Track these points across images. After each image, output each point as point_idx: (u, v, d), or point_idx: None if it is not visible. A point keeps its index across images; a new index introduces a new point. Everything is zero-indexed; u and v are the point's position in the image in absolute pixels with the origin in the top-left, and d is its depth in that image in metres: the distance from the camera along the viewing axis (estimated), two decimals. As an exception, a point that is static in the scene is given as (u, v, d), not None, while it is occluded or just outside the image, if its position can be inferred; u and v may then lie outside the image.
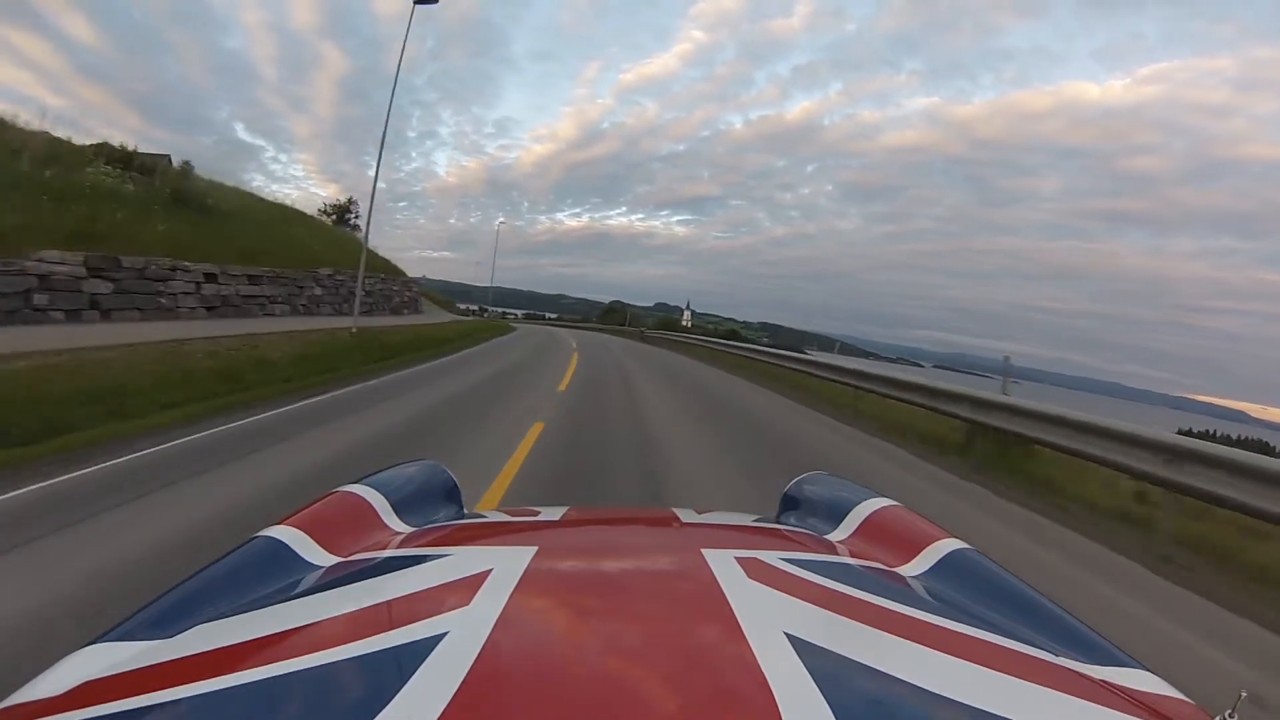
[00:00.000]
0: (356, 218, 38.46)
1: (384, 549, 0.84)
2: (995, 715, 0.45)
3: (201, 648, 0.56)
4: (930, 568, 0.87)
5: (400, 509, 1.01)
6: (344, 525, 0.91)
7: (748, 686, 0.46)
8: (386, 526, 0.96)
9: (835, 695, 0.44)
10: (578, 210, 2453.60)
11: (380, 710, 0.41)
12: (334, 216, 37.14)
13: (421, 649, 0.49)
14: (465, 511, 1.17)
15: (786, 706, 0.43)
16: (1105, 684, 0.60)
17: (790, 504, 1.27)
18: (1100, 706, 0.52)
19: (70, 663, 0.57)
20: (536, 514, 1.10)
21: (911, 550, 0.92)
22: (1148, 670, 0.66)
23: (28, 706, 0.50)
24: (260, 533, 0.85)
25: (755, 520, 1.10)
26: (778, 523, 1.14)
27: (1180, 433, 6.81)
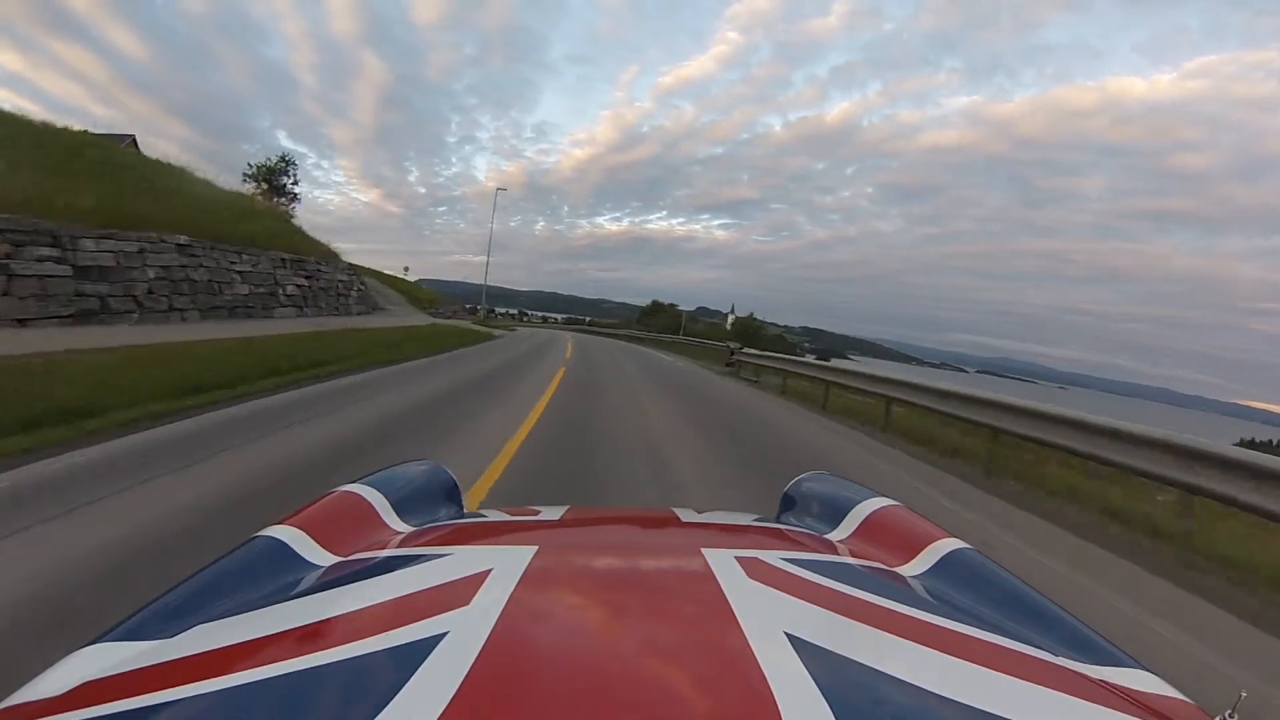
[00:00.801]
0: (295, 183, 32.17)
1: (384, 549, 0.84)
2: (995, 715, 0.46)
3: (201, 648, 0.56)
4: (930, 567, 0.88)
5: (400, 509, 1.01)
6: (344, 525, 0.91)
7: (748, 686, 0.46)
8: (386, 526, 0.96)
9: (835, 695, 0.44)
10: (617, 214, 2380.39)
11: (380, 710, 0.41)
12: (264, 184, 29.70)
13: (421, 649, 0.49)
14: (465, 511, 1.17)
15: (786, 706, 0.43)
16: (1105, 684, 0.60)
17: (790, 503, 1.27)
18: (1100, 706, 0.52)
19: (70, 663, 0.57)
20: (537, 514, 1.10)
21: (912, 550, 0.92)
22: (1147, 670, 0.66)
23: (28, 706, 0.49)
24: (260, 532, 0.85)
25: (755, 520, 1.10)
26: (778, 522, 1.14)
27: (1244, 444, 6.07)
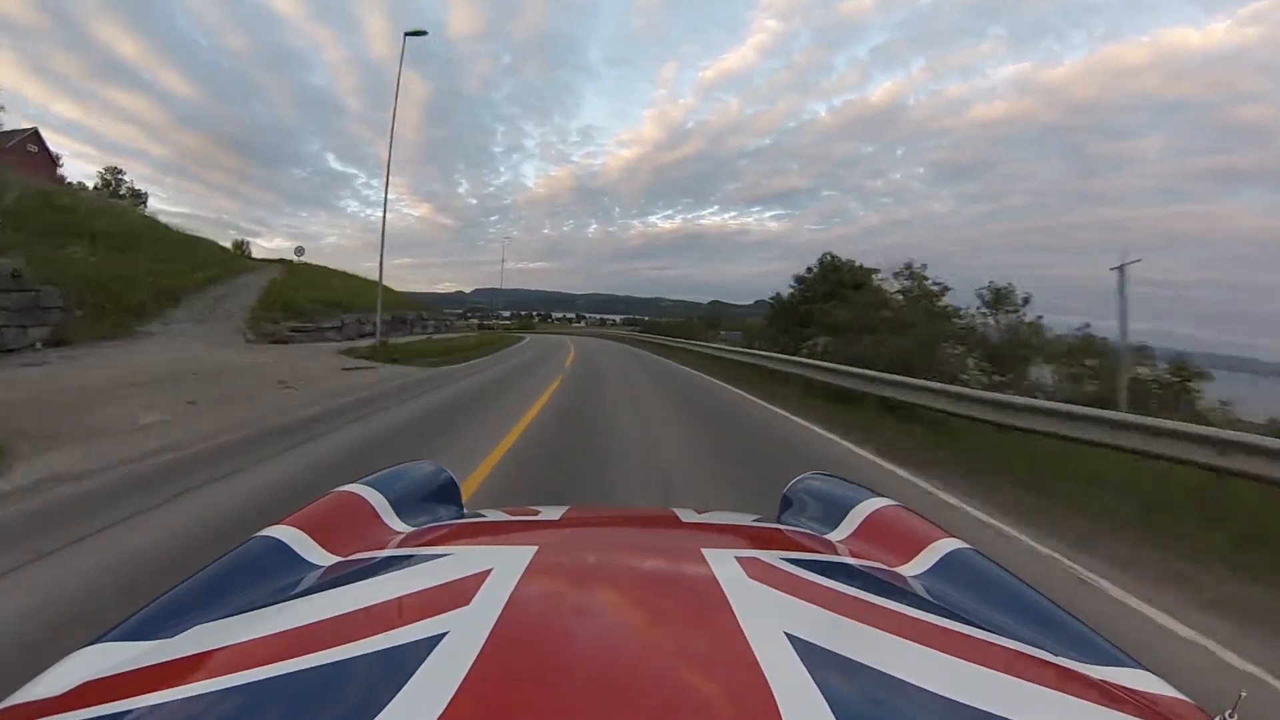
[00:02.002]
0: (132, 186, 31.43)
1: (384, 549, 0.84)
2: (995, 715, 0.45)
3: (201, 648, 0.56)
4: (930, 567, 0.87)
5: (400, 509, 1.01)
6: (344, 525, 0.91)
7: (748, 686, 0.45)
8: (386, 526, 0.96)
9: (835, 695, 0.44)
10: (669, 212, 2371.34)
11: (380, 710, 0.41)
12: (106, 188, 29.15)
13: (421, 649, 0.49)
14: (465, 511, 1.16)
15: (786, 706, 0.42)
16: (1105, 684, 0.59)
17: (790, 504, 1.26)
18: (1100, 706, 0.52)
19: (70, 663, 0.57)
20: (536, 513, 1.10)
21: (912, 550, 0.92)
22: (1147, 670, 0.65)
23: (28, 706, 0.50)
24: (260, 533, 0.85)
25: (755, 520, 1.10)
26: (778, 522, 1.14)
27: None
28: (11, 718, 0.48)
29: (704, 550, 0.74)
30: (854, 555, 0.89)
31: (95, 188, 31.96)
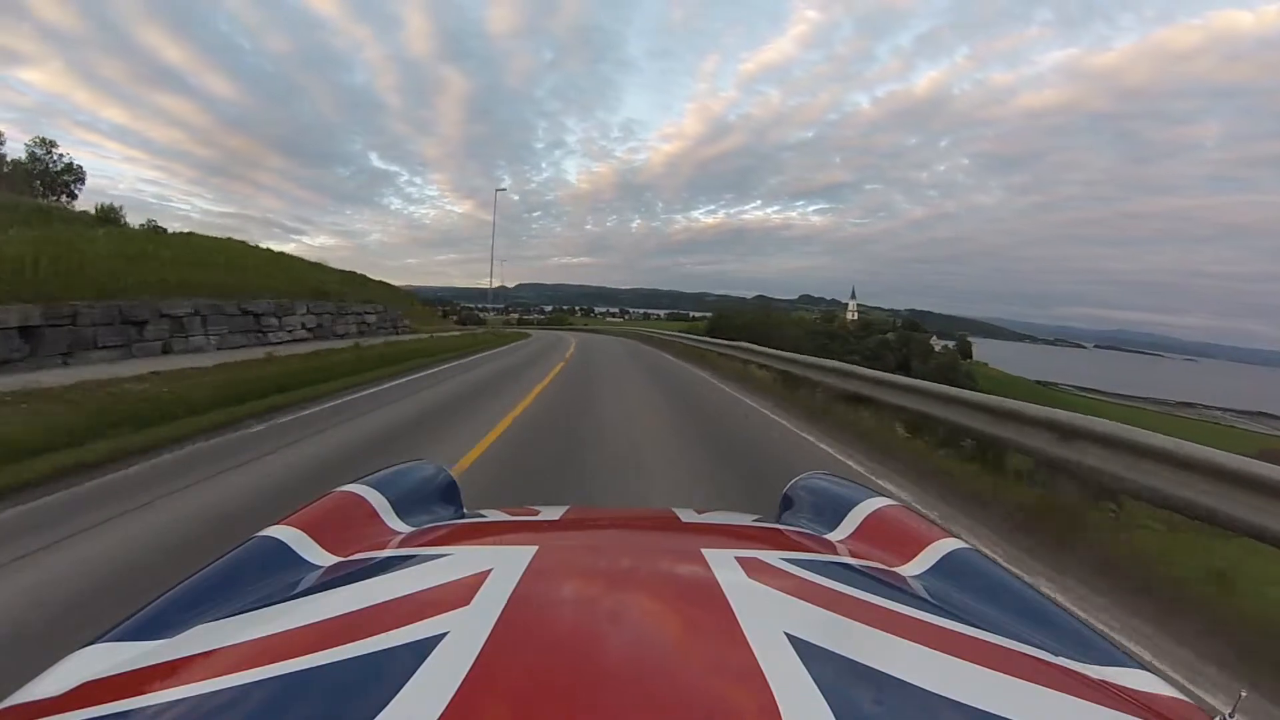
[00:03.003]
0: (69, 160, 28.21)
1: (384, 549, 0.85)
2: (995, 715, 0.46)
3: (201, 648, 0.56)
4: (930, 567, 0.87)
5: (400, 509, 1.02)
6: (344, 525, 0.92)
7: (748, 686, 0.46)
8: (386, 526, 0.96)
9: (835, 695, 0.45)
10: (712, 207, 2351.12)
11: (380, 710, 0.42)
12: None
13: (421, 649, 0.49)
14: (465, 511, 1.18)
15: (786, 706, 0.43)
16: (1104, 684, 0.60)
17: (790, 504, 1.27)
18: (1099, 706, 0.52)
19: (70, 663, 0.57)
20: (536, 514, 1.11)
21: (911, 550, 0.92)
22: (1147, 670, 0.66)
23: (28, 706, 0.50)
24: (260, 533, 0.85)
25: (755, 520, 1.10)
26: (778, 522, 1.14)
27: None
28: (11, 718, 0.48)
29: (704, 550, 0.75)
30: (854, 555, 0.89)
31: (21, 161, 28.74)
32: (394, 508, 1.02)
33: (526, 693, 0.46)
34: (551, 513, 1.09)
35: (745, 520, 1.10)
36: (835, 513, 1.10)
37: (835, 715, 0.42)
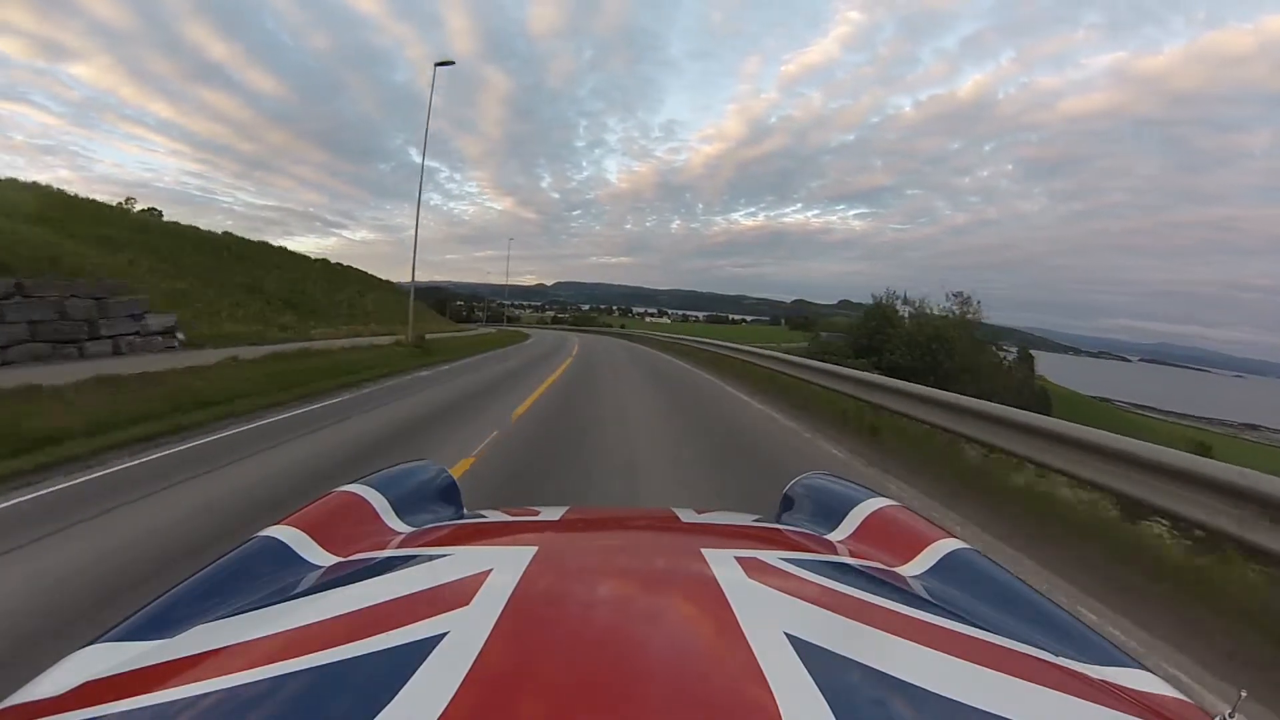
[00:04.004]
0: None
1: (384, 549, 0.85)
2: (995, 715, 0.46)
3: (202, 648, 0.56)
4: (930, 568, 0.87)
5: (400, 509, 1.02)
6: (344, 525, 0.92)
7: (748, 686, 0.46)
8: (387, 526, 0.97)
9: (835, 695, 0.45)
10: (752, 209, 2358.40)
11: (380, 710, 0.42)
12: None
13: (421, 649, 0.49)
14: (465, 511, 1.18)
15: (786, 706, 0.43)
16: (1104, 684, 0.60)
17: (790, 504, 1.27)
18: (1099, 706, 0.52)
19: (70, 663, 0.57)
20: (536, 514, 1.11)
21: (911, 550, 0.92)
22: (1147, 670, 0.66)
23: (28, 706, 0.50)
24: (260, 533, 0.85)
25: (755, 520, 1.11)
26: (778, 522, 1.14)
27: None
28: (11, 718, 0.49)
29: (704, 550, 0.75)
30: (854, 555, 0.89)
31: None
32: (394, 508, 1.02)
33: (526, 692, 0.46)
34: (551, 513, 1.09)
35: (745, 520, 1.10)
36: (835, 513, 1.10)
37: (835, 715, 0.42)
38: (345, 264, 38.01)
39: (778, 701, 0.44)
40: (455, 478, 1.25)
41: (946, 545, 0.92)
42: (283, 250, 31.42)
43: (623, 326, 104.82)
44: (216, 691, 0.47)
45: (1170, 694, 0.62)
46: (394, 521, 0.99)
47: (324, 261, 34.80)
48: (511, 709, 0.44)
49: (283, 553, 0.82)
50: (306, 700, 0.46)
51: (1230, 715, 0.53)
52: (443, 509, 1.14)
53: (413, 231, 18.94)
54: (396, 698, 0.43)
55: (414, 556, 0.81)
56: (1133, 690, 0.61)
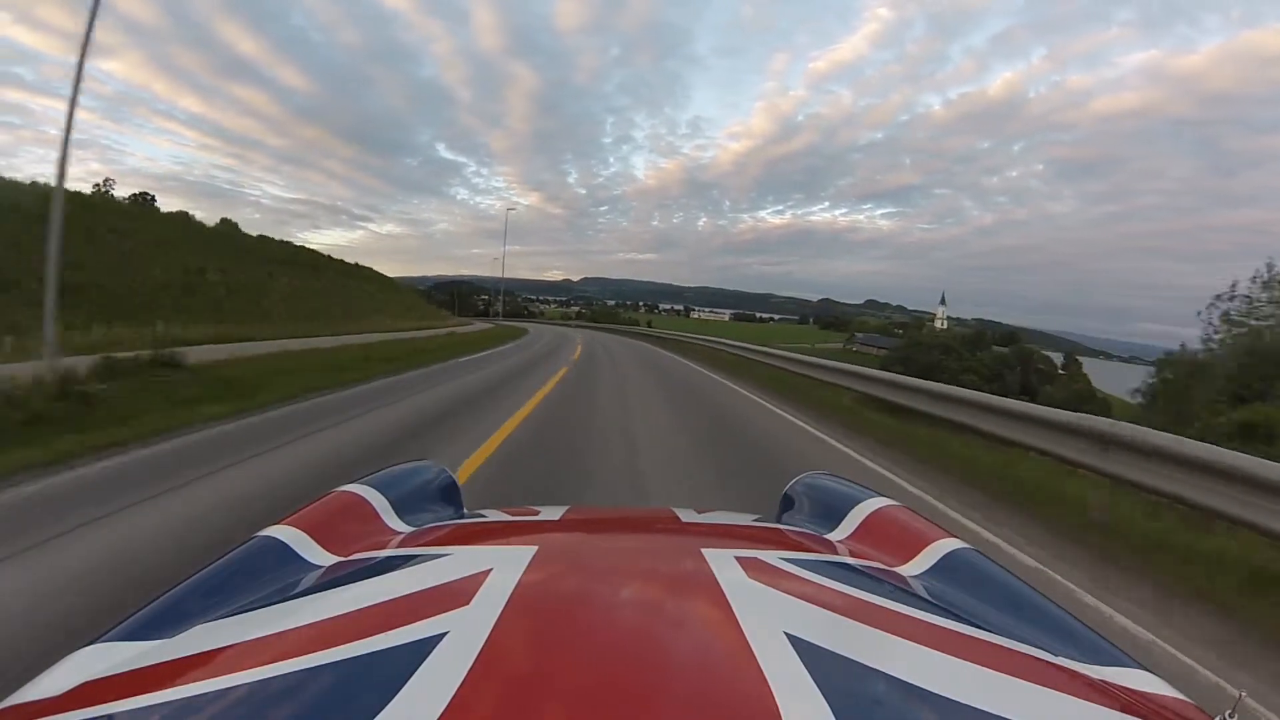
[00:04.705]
0: None
1: (384, 549, 0.84)
2: (995, 715, 0.45)
3: (202, 648, 0.56)
4: (930, 567, 0.87)
5: (400, 509, 1.02)
6: (344, 525, 0.92)
7: (748, 686, 0.46)
8: (386, 526, 0.96)
9: (835, 695, 0.44)
10: (779, 207, 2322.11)
11: (380, 710, 0.41)
12: None
13: (421, 649, 0.49)
14: (465, 511, 1.18)
15: (786, 706, 0.43)
16: (1104, 684, 0.60)
17: (790, 503, 1.27)
18: (1099, 706, 0.52)
19: (70, 663, 0.57)
20: (537, 514, 1.11)
21: (911, 550, 0.92)
22: (1147, 670, 0.65)
23: (28, 706, 0.50)
24: (260, 532, 0.85)
25: (755, 520, 1.10)
26: (778, 522, 1.14)
27: None
28: (11, 718, 0.48)
29: (704, 550, 0.74)
30: (854, 555, 0.89)
31: None
32: (394, 508, 1.01)
33: (526, 693, 0.46)
34: (552, 513, 1.08)
35: (745, 520, 1.10)
36: (835, 512, 1.10)
37: (835, 715, 0.42)
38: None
39: (778, 701, 0.43)
40: None
41: (947, 545, 0.92)
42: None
43: (649, 325, 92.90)
44: (216, 691, 0.47)
45: (1170, 694, 0.61)
46: (394, 521, 0.98)
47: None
48: (512, 709, 0.44)
49: (283, 552, 0.81)
50: (307, 700, 0.46)
51: (1230, 715, 0.53)
52: (443, 509, 1.14)
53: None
54: (396, 697, 0.43)
55: (414, 556, 0.80)
56: (1133, 690, 0.60)
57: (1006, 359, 54.21)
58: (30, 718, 0.47)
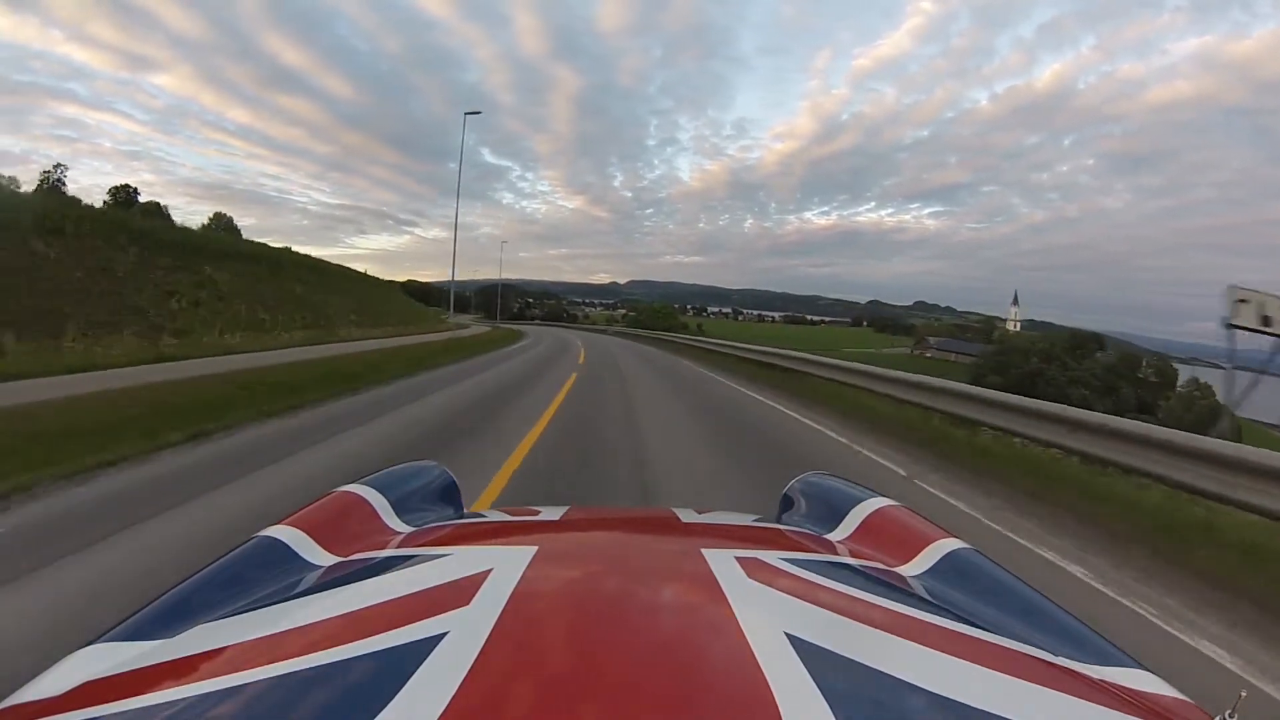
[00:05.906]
0: None
1: (384, 549, 0.85)
2: (995, 715, 0.46)
3: (202, 648, 0.56)
4: (930, 567, 0.87)
5: (400, 509, 1.02)
6: (344, 525, 0.92)
7: (748, 687, 0.46)
8: (386, 526, 0.96)
9: (835, 695, 0.44)
10: (825, 208, 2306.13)
11: (380, 710, 0.41)
12: None
13: (421, 649, 0.49)
14: (465, 511, 1.18)
15: (786, 707, 0.43)
16: (1105, 684, 0.60)
17: (790, 504, 1.27)
18: (1100, 706, 0.52)
19: (70, 663, 0.57)
20: (537, 514, 1.11)
21: (911, 550, 0.92)
22: (1147, 670, 0.65)
23: (28, 706, 0.50)
24: (260, 533, 0.85)
25: (755, 520, 1.10)
26: (778, 522, 1.14)
27: None
28: (11, 718, 0.48)
29: (704, 550, 0.74)
30: (854, 555, 0.89)
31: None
32: (394, 508, 1.02)
33: (526, 693, 0.46)
34: (551, 513, 1.08)
35: (745, 520, 1.10)
36: (835, 513, 1.10)
37: (835, 715, 0.42)
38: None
39: (778, 702, 0.43)
40: None
41: (947, 545, 0.92)
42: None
43: (700, 330, 78.95)
44: (217, 691, 0.47)
45: (1170, 694, 0.61)
46: (394, 521, 0.98)
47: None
48: (511, 709, 0.44)
49: (283, 553, 0.81)
50: (307, 700, 0.46)
51: (1230, 715, 0.53)
52: (443, 509, 1.14)
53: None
54: (396, 698, 0.43)
55: (414, 556, 0.80)
56: (1133, 690, 0.60)
57: (1117, 368, 44.31)
58: (30, 718, 0.47)
